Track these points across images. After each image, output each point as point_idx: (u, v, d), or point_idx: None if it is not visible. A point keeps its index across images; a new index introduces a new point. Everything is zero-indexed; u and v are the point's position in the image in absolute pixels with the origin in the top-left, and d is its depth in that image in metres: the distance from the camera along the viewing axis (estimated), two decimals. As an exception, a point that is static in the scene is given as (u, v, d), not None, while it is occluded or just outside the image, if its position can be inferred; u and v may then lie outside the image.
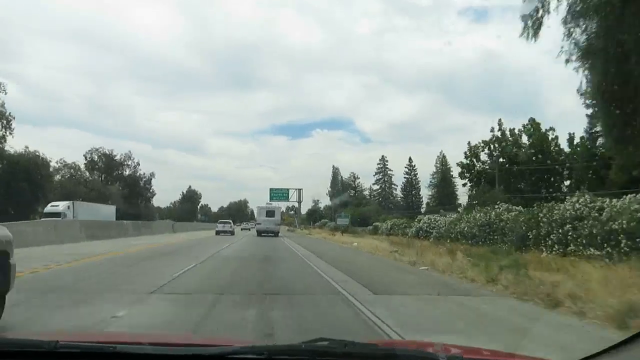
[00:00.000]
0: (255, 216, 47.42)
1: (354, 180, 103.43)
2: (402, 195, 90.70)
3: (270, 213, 42.33)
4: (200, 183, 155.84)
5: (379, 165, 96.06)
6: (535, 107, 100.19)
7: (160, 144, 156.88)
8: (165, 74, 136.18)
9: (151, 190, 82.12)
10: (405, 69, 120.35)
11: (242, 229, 65.00)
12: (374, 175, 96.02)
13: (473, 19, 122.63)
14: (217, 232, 42.31)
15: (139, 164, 78.91)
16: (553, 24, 11.81)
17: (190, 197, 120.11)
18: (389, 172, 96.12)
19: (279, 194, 63.12)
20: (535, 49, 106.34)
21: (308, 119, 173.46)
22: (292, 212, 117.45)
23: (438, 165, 78.59)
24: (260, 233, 40.60)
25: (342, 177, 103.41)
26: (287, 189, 63.90)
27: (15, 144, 51.20)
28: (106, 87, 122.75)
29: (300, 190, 64.47)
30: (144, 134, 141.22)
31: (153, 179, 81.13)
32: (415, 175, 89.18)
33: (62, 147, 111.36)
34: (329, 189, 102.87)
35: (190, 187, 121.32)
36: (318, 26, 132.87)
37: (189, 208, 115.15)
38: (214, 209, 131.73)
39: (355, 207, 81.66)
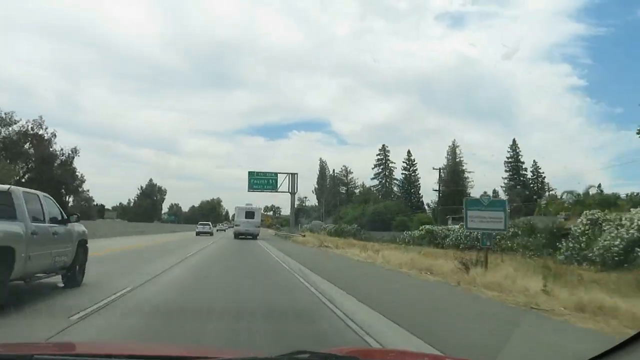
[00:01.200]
0: (235, 217, 44.74)
1: (345, 175, 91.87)
2: (399, 194, 76.89)
3: (250, 214, 40.38)
4: (176, 183, 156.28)
5: (378, 157, 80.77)
6: (508, 113, 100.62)
7: (136, 142, 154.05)
8: (141, 71, 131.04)
9: (80, 177, 56.95)
10: (383, 72, 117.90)
11: (217, 230, 59.86)
12: (372, 169, 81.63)
13: (450, 24, 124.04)
14: (198, 233, 45.19)
15: (54, 136, 50.95)
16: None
17: (150, 193, 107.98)
18: (390, 164, 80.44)
19: (262, 181, 48.07)
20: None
21: (286, 120, 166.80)
22: (272, 212, 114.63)
23: (449, 157, 69.62)
24: (238, 235, 39.05)
25: (333, 171, 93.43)
26: (275, 174, 48.78)
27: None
28: (80, 83, 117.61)
29: (294, 175, 48.64)
30: (118, 132, 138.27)
31: (76, 157, 53.57)
32: (415, 171, 76.68)
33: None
34: (316, 186, 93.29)
35: (151, 180, 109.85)
36: (297, 27, 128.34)
37: (148, 205, 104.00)
38: (185, 208, 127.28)
39: (359, 205, 69.58)
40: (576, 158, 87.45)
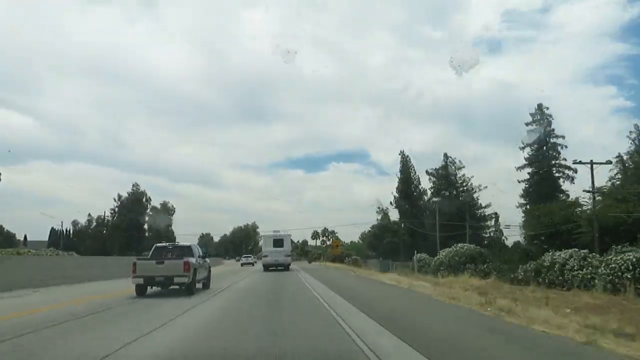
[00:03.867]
0: (262, 247, 41.72)
1: (452, 163, 67.66)
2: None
3: (278, 242, 37.34)
4: (215, 215, 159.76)
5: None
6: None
7: (176, 177, 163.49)
8: (180, 108, 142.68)
9: None
10: (420, 101, 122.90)
11: (242, 265, 58.49)
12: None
13: (486, 50, 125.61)
14: (242, 264, 58.57)
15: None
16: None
17: (135, 208, 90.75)
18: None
19: None
20: (552, 78, 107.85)
21: (324, 152, 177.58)
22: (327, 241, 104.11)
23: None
24: (267, 267, 36.31)
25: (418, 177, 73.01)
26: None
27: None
28: (123, 121, 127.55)
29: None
30: (160, 167, 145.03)
31: None
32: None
33: (81, 181, 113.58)
34: (396, 195, 72.21)
35: (135, 188, 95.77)
36: (332, 58, 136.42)
37: (129, 223, 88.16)
38: (216, 238, 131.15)
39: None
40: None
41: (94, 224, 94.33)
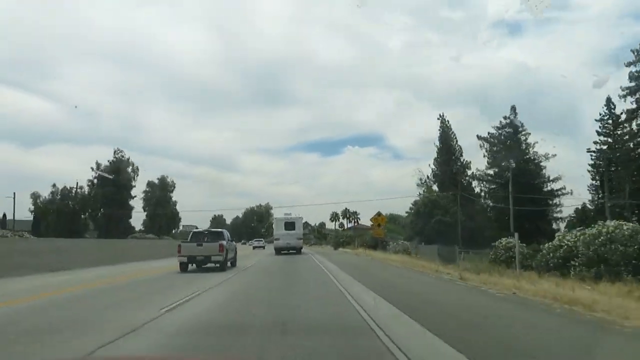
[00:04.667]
0: (273, 230, 42.22)
1: (514, 127, 59.14)
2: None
3: (289, 225, 37.99)
4: (232, 200, 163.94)
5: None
6: (573, 122, 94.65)
7: (194, 161, 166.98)
8: (197, 92, 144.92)
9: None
10: (438, 84, 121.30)
11: (254, 248, 60.82)
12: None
13: (506, 32, 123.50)
14: (254, 247, 60.12)
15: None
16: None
17: (118, 170, 76.09)
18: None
19: None
20: (574, 61, 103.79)
21: (339, 136, 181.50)
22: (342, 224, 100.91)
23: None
24: (279, 251, 37.27)
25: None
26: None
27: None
28: (140, 105, 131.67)
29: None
30: (177, 151, 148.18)
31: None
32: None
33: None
34: (433, 167, 65.59)
35: (117, 154, 79.65)
36: (348, 42, 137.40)
37: (110, 196, 74.13)
38: (229, 220, 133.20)
39: None
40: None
41: (58, 197, 75.94)
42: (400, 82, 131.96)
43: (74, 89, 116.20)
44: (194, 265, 19.54)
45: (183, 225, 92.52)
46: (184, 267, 19.21)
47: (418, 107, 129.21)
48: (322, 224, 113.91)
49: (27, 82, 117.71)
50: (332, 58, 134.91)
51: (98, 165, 78.01)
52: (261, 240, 71.81)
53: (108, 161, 78.02)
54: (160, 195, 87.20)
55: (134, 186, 79.71)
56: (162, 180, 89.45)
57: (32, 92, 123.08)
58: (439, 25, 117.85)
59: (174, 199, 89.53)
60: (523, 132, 59.04)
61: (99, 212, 76.01)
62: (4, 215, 73.28)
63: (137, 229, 79.23)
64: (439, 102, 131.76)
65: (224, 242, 19.89)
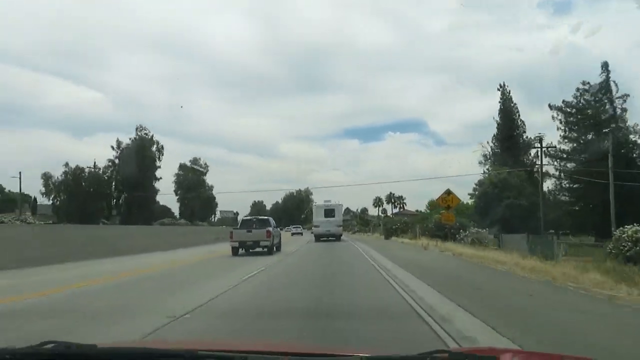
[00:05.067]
0: (313, 217, 43.35)
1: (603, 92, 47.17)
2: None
3: (329, 212, 39.22)
4: (272, 186, 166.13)
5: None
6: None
7: (234, 148, 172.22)
8: (239, 79, 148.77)
9: None
10: (481, 67, 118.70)
11: (292, 234, 61.79)
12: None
13: (554, 11, 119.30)
14: (292, 234, 61.16)
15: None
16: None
17: (140, 157, 68.58)
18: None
19: None
20: (625, 42, 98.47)
21: (380, 122, 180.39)
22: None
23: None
24: (318, 238, 38.65)
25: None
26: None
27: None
28: (184, 94, 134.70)
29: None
30: (218, 138, 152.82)
31: None
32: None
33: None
34: (492, 144, 57.49)
35: (140, 126, 73.64)
36: (390, 26, 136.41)
37: (131, 178, 66.96)
38: (268, 206, 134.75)
39: None
40: None
41: (70, 177, 69.10)
42: (443, 66, 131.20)
43: (121, 79, 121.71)
44: (243, 249, 22.14)
45: (220, 211, 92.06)
46: (235, 251, 22.13)
47: (461, 91, 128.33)
48: (365, 210, 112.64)
49: (79, 74, 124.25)
50: (374, 42, 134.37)
51: (119, 143, 71.78)
52: (299, 227, 76.01)
53: (130, 139, 72.10)
54: (193, 178, 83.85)
55: (159, 167, 73.24)
56: (195, 162, 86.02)
57: (81, 82, 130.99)
58: (484, 6, 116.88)
59: (210, 182, 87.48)
60: (618, 96, 46.41)
61: (122, 195, 70.66)
62: (35, 199, 73.98)
63: (164, 213, 73.30)
64: (483, 86, 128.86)
65: (271, 229, 22.73)
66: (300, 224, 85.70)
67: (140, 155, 67.63)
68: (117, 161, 70.78)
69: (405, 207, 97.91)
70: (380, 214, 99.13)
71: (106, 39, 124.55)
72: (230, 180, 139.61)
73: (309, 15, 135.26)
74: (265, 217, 25.26)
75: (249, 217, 26.28)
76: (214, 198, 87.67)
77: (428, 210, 60.10)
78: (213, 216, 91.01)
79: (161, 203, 76.10)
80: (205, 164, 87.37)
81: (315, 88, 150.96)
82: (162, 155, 73.08)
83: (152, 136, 72.97)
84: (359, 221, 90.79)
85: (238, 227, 23.69)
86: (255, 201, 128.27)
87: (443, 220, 29.03)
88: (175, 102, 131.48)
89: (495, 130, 57.16)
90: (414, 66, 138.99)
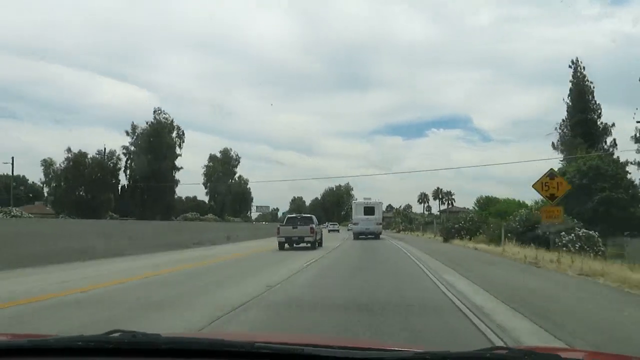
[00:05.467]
0: (352, 215, 43.80)
1: None
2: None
3: (369, 210, 39.59)
4: (312, 183, 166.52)
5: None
6: None
7: (277, 145, 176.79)
8: (280, 76, 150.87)
9: None
10: (529, 61, 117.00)
11: (329, 231, 59.83)
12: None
13: (609, 1, 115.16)
14: (329, 231, 61.44)
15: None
16: None
17: (156, 143, 63.08)
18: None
19: None
20: None
21: (423, 118, 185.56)
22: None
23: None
24: (357, 235, 38.70)
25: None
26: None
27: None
28: (227, 91, 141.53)
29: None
30: (260, 135, 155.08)
31: None
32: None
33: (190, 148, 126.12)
34: (562, 131, 50.28)
35: (158, 109, 66.91)
36: (432, 20, 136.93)
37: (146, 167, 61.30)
38: (308, 202, 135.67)
39: None
40: None
41: (71, 164, 61.23)
42: (488, 61, 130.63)
43: (168, 78, 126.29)
44: (288, 245, 24.05)
45: (257, 207, 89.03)
46: (281, 246, 24.12)
47: (507, 87, 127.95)
48: (408, 206, 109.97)
49: (128, 73, 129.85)
50: (416, 37, 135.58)
51: (134, 128, 64.84)
52: (335, 224, 78.20)
53: (146, 122, 65.14)
54: (223, 170, 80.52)
55: (179, 155, 67.01)
56: (225, 153, 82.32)
57: (132, 82, 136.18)
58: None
59: (244, 176, 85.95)
60: None
61: (137, 185, 63.14)
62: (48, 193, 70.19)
63: (187, 206, 69.74)
64: (528, 81, 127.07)
65: (314, 226, 24.82)
66: (339, 220, 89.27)
67: (158, 141, 61.91)
68: (132, 148, 64.31)
69: (454, 204, 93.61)
70: (424, 211, 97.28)
71: (151, 40, 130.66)
72: (269, 176, 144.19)
73: (349, 10, 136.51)
74: (308, 215, 27.67)
75: (293, 215, 29.00)
76: (249, 192, 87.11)
77: (476, 208, 53.22)
78: (249, 211, 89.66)
79: (185, 196, 73.60)
80: (237, 154, 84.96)
81: (357, 84, 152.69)
82: (183, 142, 67.35)
83: (172, 120, 66.88)
84: (403, 218, 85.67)
85: (284, 224, 25.60)
86: (294, 197, 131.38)
87: (545, 218, 18.42)
88: (218, 100, 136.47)
89: (565, 114, 49.95)
90: (457, 61, 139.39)
